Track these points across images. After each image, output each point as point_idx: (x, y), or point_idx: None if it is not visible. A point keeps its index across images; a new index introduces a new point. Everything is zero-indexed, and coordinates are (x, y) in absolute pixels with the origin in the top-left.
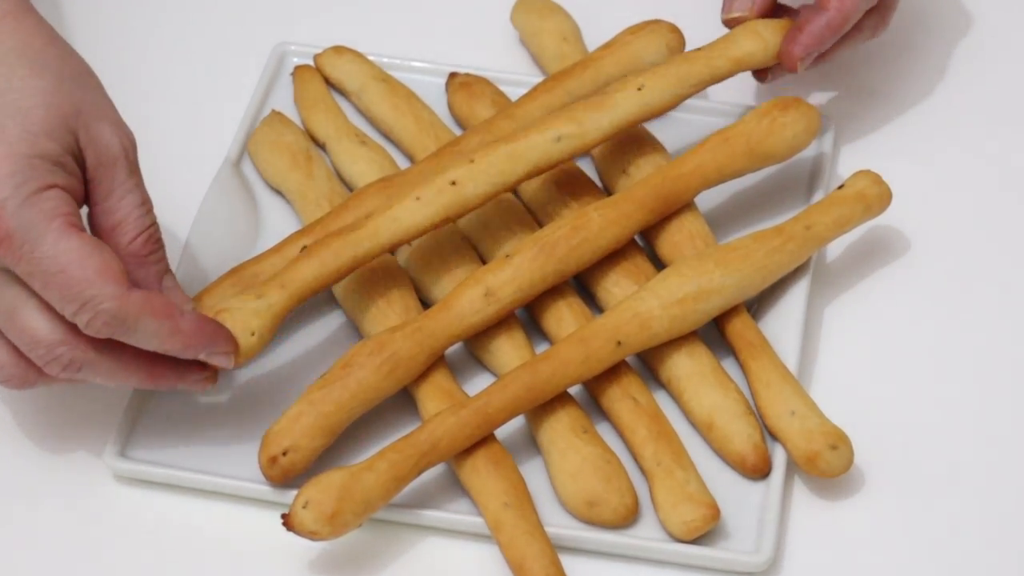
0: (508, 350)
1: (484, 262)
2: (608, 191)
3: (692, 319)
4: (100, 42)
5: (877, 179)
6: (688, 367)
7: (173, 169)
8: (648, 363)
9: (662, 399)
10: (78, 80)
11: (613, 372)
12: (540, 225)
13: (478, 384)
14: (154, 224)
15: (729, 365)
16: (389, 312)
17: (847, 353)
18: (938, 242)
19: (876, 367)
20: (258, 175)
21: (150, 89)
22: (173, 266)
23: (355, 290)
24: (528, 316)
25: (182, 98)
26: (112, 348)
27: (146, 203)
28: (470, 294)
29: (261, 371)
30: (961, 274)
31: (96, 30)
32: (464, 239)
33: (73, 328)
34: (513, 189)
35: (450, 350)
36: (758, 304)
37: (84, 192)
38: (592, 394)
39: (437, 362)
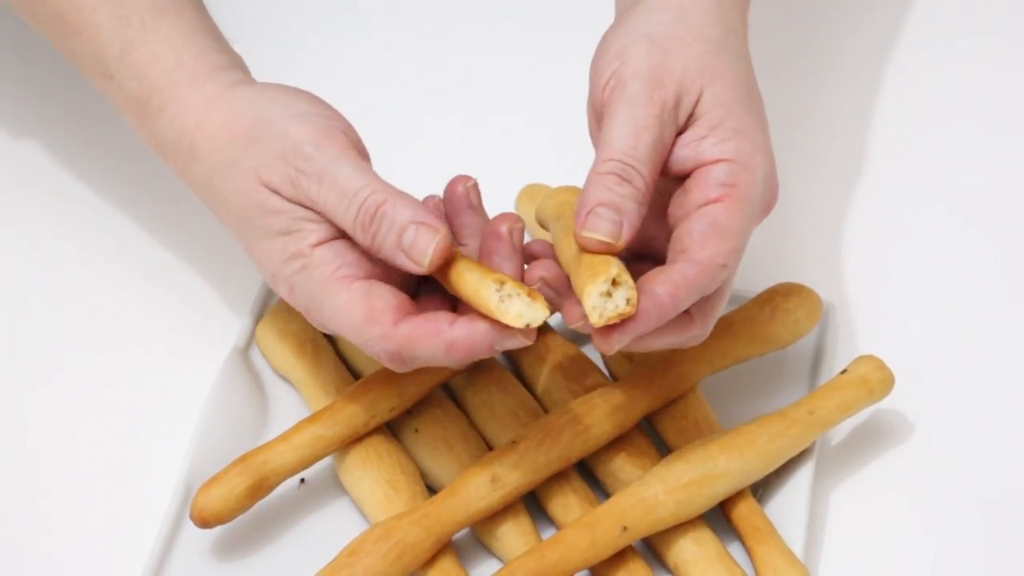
0: (514, 536)
1: (490, 448)
2: (612, 377)
3: (698, 503)
4: (105, 222)
5: (880, 364)
6: (694, 552)
7: (182, 358)
8: (654, 548)
9: None
10: (247, 149)
11: (619, 557)
12: (545, 411)
13: (485, 570)
14: (358, 209)
15: (735, 550)
16: (396, 498)
17: (853, 537)
18: (942, 426)
19: (883, 551)
20: (266, 363)
21: (157, 277)
22: (180, 456)
23: (361, 476)
24: (534, 501)
25: (190, 287)
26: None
27: (341, 201)
28: (476, 480)
29: (267, 560)
30: (966, 458)
31: (109, 211)
32: (470, 425)
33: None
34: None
35: (457, 535)
36: (763, 488)
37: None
38: None
39: (444, 548)
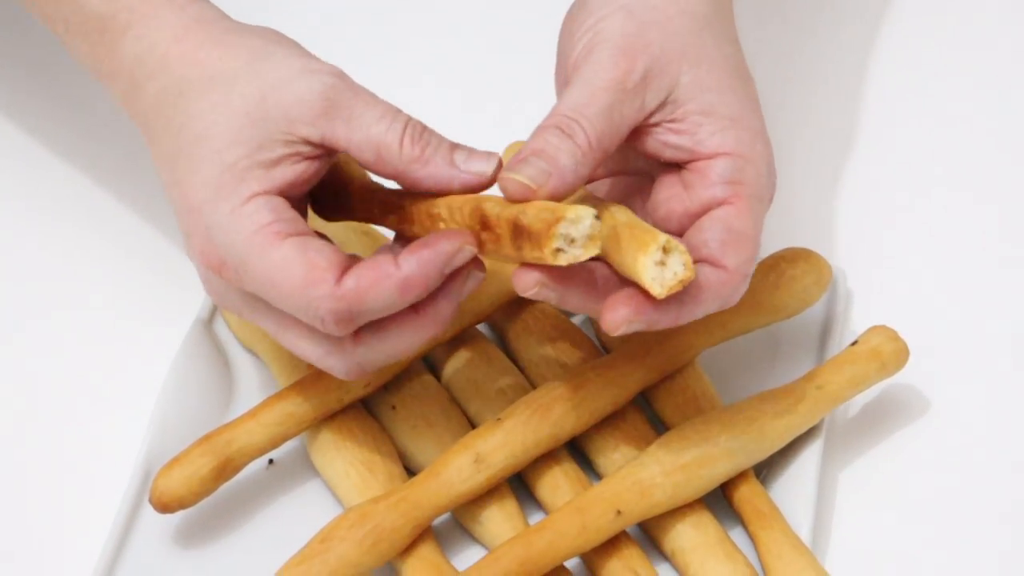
0: (500, 521)
1: (473, 426)
2: (605, 349)
3: (697, 486)
4: (64, 186)
5: (893, 335)
6: (693, 538)
7: (141, 331)
8: (650, 533)
9: (666, 572)
10: (251, 68)
11: (613, 543)
12: (533, 386)
13: (468, 558)
14: (406, 123)
15: (737, 535)
16: (372, 480)
17: (864, 522)
18: (960, 402)
19: (894, 536)
20: (231, 335)
21: (116, 244)
22: (139, 435)
23: (335, 458)
24: (521, 484)
25: (151, 256)
26: (376, 330)
27: (386, 115)
28: (458, 461)
29: (233, 547)
30: (986, 437)
31: (69, 174)
32: (452, 401)
33: (331, 337)
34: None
35: (437, 521)
36: (767, 469)
37: (318, 162)
38: (590, 567)
39: (423, 534)
